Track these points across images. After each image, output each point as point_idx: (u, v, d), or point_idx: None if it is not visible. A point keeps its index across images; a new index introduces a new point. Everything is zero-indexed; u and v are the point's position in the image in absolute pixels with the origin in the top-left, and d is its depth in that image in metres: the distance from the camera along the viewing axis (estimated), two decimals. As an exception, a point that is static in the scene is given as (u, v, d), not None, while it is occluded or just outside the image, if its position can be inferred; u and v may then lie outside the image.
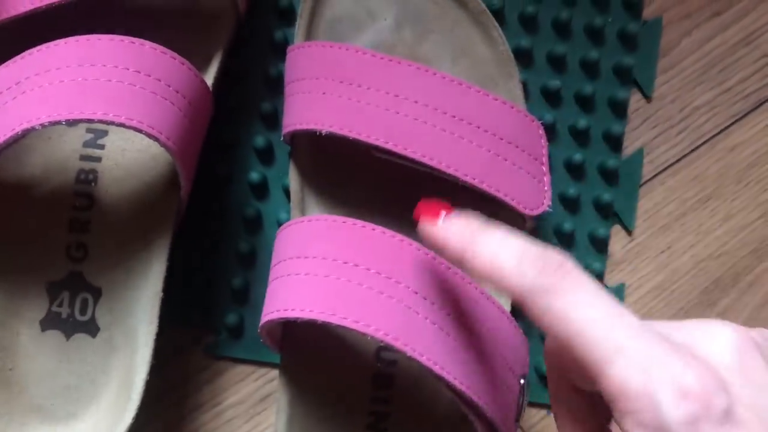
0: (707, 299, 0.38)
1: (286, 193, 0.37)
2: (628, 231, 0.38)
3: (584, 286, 0.22)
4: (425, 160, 0.31)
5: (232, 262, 0.36)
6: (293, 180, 0.34)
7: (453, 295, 0.29)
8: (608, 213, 0.37)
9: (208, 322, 0.36)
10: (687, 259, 0.38)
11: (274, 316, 0.29)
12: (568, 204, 0.37)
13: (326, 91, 0.31)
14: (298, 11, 0.34)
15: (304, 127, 0.32)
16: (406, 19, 0.34)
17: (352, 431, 0.33)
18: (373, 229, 0.29)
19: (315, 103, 0.31)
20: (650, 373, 0.20)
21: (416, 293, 0.28)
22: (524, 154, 0.32)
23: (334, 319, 0.28)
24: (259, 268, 0.37)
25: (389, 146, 0.30)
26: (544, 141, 0.32)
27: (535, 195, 0.32)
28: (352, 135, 0.31)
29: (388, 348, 0.33)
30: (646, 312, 0.38)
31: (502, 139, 0.31)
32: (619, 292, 0.37)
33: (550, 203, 0.32)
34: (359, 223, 0.29)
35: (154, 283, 0.32)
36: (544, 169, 0.32)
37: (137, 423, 0.32)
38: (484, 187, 0.31)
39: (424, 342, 0.28)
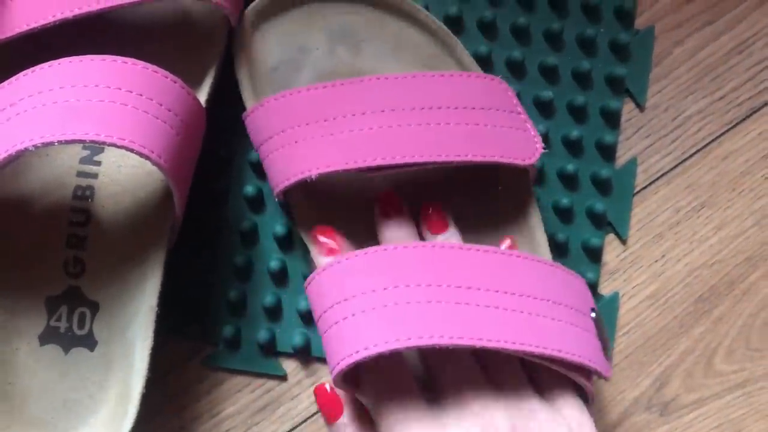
0: (702, 307, 0.38)
1: (282, 206, 0.37)
2: (622, 240, 0.38)
3: None
4: (415, 160, 0.31)
5: (229, 275, 0.37)
6: (303, 234, 0.34)
7: (500, 273, 0.30)
8: (602, 222, 0.38)
9: (206, 334, 0.37)
10: (681, 268, 0.38)
11: (341, 366, 0.29)
12: (562, 214, 0.37)
13: (297, 138, 0.32)
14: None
15: (293, 180, 0.32)
16: (336, 41, 0.34)
17: None
18: (404, 247, 0.30)
19: (292, 154, 0.32)
20: None
21: (459, 287, 0.29)
22: (500, 113, 0.32)
23: (399, 345, 0.28)
24: (254, 281, 0.37)
25: (377, 163, 0.31)
26: (511, 92, 0.33)
27: (527, 144, 0.33)
28: (341, 167, 0.31)
29: None
30: (641, 320, 0.38)
31: (474, 108, 0.32)
32: (613, 301, 0.38)
33: (543, 144, 0.33)
34: (376, 249, 0.30)
35: (149, 297, 0.33)
36: (522, 117, 0.33)
37: (136, 434, 0.33)
38: (477, 159, 0.32)
39: (488, 329, 0.29)
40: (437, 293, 0.29)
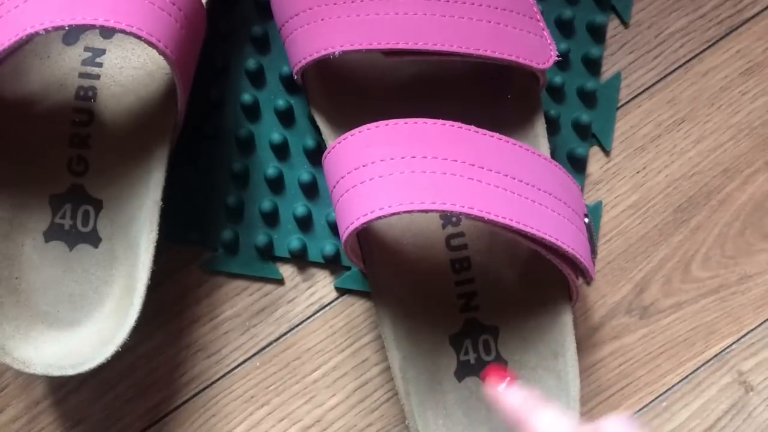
0: (680, 217, 0.40)
1: (278, 114, 0.38)
2: (606, 152, 0.40)
3: None
4: (437, 48, 0.32)
5: (227, 181, 0.38)
6: (318, 117, 0.35)
7: (512, 160, 0.31)
8: (587, 134, 0.39)
9: (205, 239, 0.38)
10: (661, 179, 0.40)
11: (356, 224, 0.30)
12: (549, 124, 0.39)
13: (323, 16, 0.32)
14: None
15: (315, 56, 0.33)
16: None
17: (450, 319, 0.35)
18: (425, 122, 0.31)
19: (318, 31, 0.33)
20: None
21: (473, 165, 0.30)
22: (520, 16, 0.33)
23: (413, 207, 0.29)
24: (252, 187, 0.38)
25: (400, 46, 0.32)
26: (532, 0, 0.34)
27: (542, 50, 0.34)
28: (364, 47, 0.32)
29: (456, 235, 0.36)
30: (623, 228, 0.39)
31: (497, 8, 0.33)
32: (596, 210, 0.39)
33: (558, 53, 0.34)
34: (397, 121, 0.31)
35: (153, 193, 0.33)
36: (541, 24, 0.34)
37: (138, 336, 0.34)
38: (496, 55, 0.33)
39: (495, 205, 0.30)
40: (453, 167, 0.30)
